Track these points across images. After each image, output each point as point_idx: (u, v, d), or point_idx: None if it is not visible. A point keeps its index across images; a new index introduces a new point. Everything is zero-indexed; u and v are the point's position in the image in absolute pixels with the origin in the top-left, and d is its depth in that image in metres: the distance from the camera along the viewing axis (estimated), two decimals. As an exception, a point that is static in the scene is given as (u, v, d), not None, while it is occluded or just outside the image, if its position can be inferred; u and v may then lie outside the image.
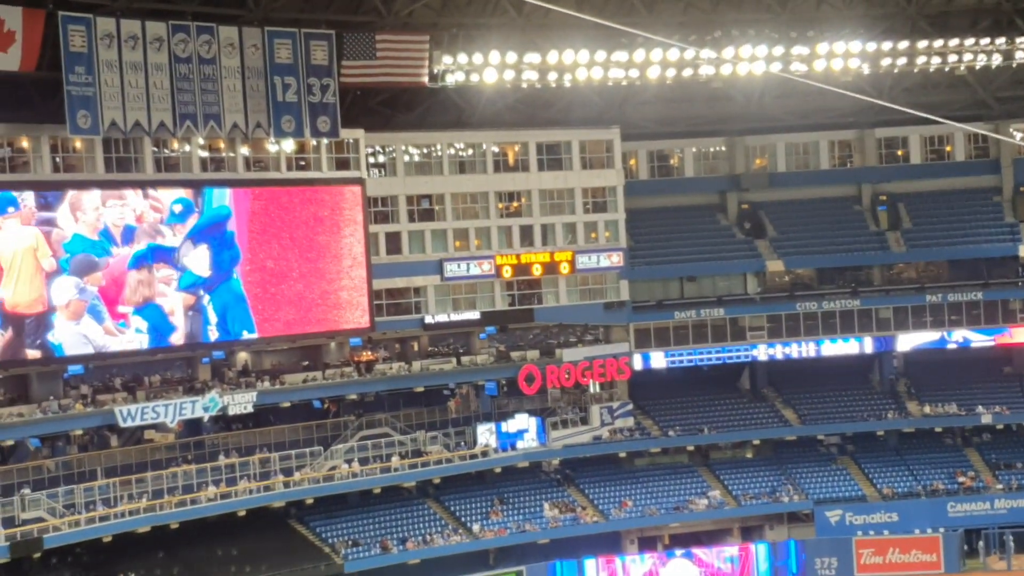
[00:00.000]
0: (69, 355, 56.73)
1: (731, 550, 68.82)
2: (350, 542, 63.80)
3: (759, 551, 68.63)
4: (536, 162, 70.40)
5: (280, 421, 64.86)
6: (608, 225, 72.03)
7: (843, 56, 68.35)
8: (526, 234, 70.35)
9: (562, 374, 69.28)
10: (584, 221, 71.43)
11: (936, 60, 69.66)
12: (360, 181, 64.88)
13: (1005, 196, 77.22)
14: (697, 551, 68.46)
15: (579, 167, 71.28)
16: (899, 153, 77.63)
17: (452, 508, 67.97)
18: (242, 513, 60.65)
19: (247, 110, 59.75)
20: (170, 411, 58.87)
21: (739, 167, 76.97)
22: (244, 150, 62.00)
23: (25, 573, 55.68)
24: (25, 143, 56.34)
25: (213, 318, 60.56)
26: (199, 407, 59.63)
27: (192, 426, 62.68)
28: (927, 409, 74.39)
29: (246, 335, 61.95)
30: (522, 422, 68.85)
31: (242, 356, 65.36)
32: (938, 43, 69.12)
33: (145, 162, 58.78)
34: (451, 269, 68.23)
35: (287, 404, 64.28)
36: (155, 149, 59.19)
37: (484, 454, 67.75)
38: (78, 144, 57.06)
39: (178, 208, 59.38)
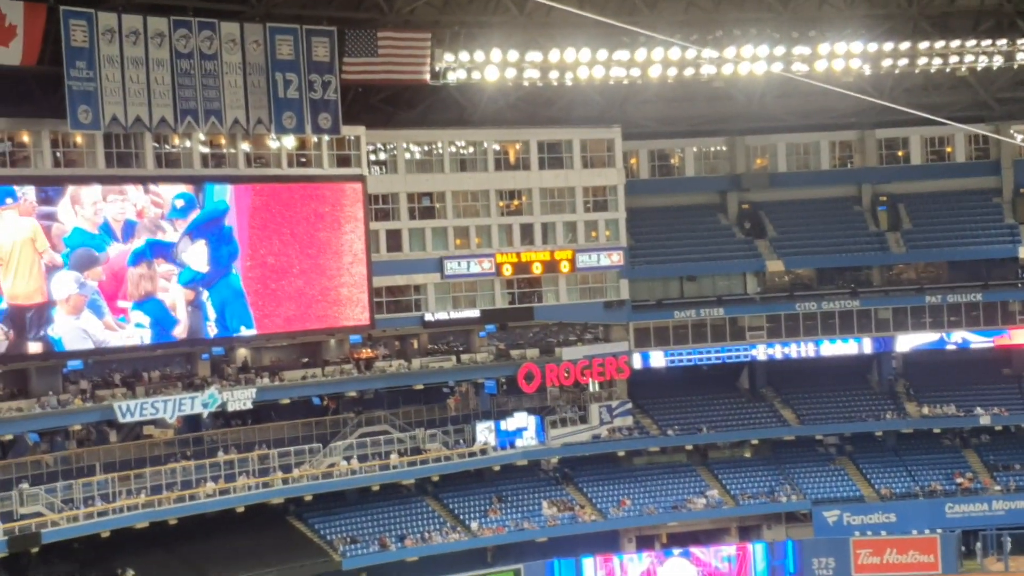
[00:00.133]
0: (69, 350, 56.70)
1: (729, 550, 68.85)
2: (348, 539, 63.81)
3: (757, 551, 68.67)
4: (537, 160, 70.38)
5: (279, 418, 64.81)
6: (608, 224, 72.04)
7: (844, 56, 68.38)
8: (526, 232, 70.34)
9: (561, 373, 69.31)
10: (584, 220, 71.44)
11: (937, 61, 69.69)
12: (361, 178, 64.87)
13: (1005, 198, 77.24)
14: (695, 550, 68.48)
15: (580, 166, 71.27)
16: (899, 154, 77.66)
17: (451, 506, 67.97)
18: (241, 509, 60.67)
19: (248, 106, 59.74)
20: (169, 407, 58.85)
21: (740, 167, 76.99)
22: (245, 146, 62.00)
23: (23, 568, 55.68)
24: (26, 137, 56.32)
25: (212, 314, 60.57)
26: (198, 403, 59.62)
27: (191, 422, 62.67)
28: (925, 410, 74.41)
29: (244, 331, 61.93)
30: (521, 420, 68.87)
31: (242, 352, 65.32)
32: (939, 44, 69.18)
33: (146, 157, 58.75)
34: (451, 267, 68.23)
35: (286, 401, 64.18)
36: (156, 145, 59.18)
37: (483, 452, 67.77)
38: (79, 139, 57.06)
39: (180, 203, 59.39)
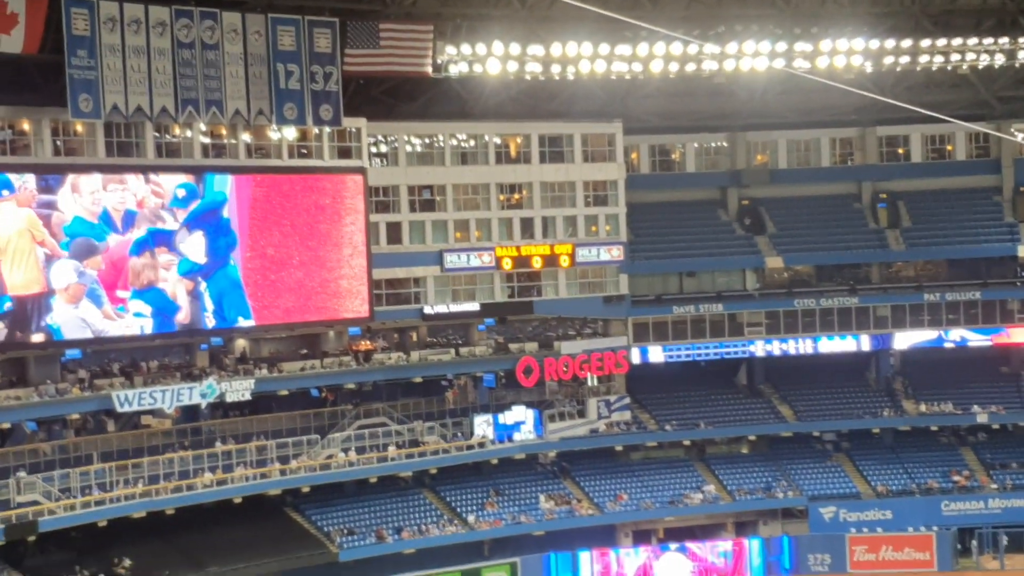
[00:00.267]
0: (68, 339, 56.67)
1: (725, 545, 68.92)
2: (345, 531, 63.83)
3: (753, 546, 68.72)
4: (538, 154, 70.33)
5: (277, 409, 64.77)
6: (608, 219, 72.02)
7: (846, 53, 68.33)
8: (527, 226, 70.32)
9: (560, 367, 69.35)
10: (585, 214, 71.41)
11: (939, 59, 69.69)
12: (362, 170, 64.83)
13: (1005, 196, 77.32)
14: (691, 545, 68.53)
15: (581, 160, 71.23)
16: (900, 151, 77.72)
17: (448, 499, 68.01)
18: (238, 500, 60.61)
19: (249, 97, 59.62)
20: (167, 397, 58.86)
21: (740, 163, 77.02)
22: (246, 137, 61.91)
23: (20, 556, 55.66)
24: (26, 126, 56.21)
25: (209, 305, 60.55)
26: (197, 393, 59.62)
27: (189, 412, 62.66)
28: (923, 407, 74.48)
29: (242, 322, 61.90)
30: (519, 414, 68.89)
31: (240, 343, 65.33)
32: (941, 42, 69.14)
33: (146, 147, 58.68)
34: (451, 260, 68.20)
35: (285, 392, 64.16)
36: (156, 134, 59.09)
37: (481, 445, 67.78)
38: (79, 128, 56.94)
39: (182, 193, 59.34)
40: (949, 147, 77.73)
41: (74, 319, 56.37)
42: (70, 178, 56.26)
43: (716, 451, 74.41)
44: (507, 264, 69.27)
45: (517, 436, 68.71)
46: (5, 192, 54.54)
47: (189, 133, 60.19)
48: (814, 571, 68.36)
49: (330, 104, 61.80)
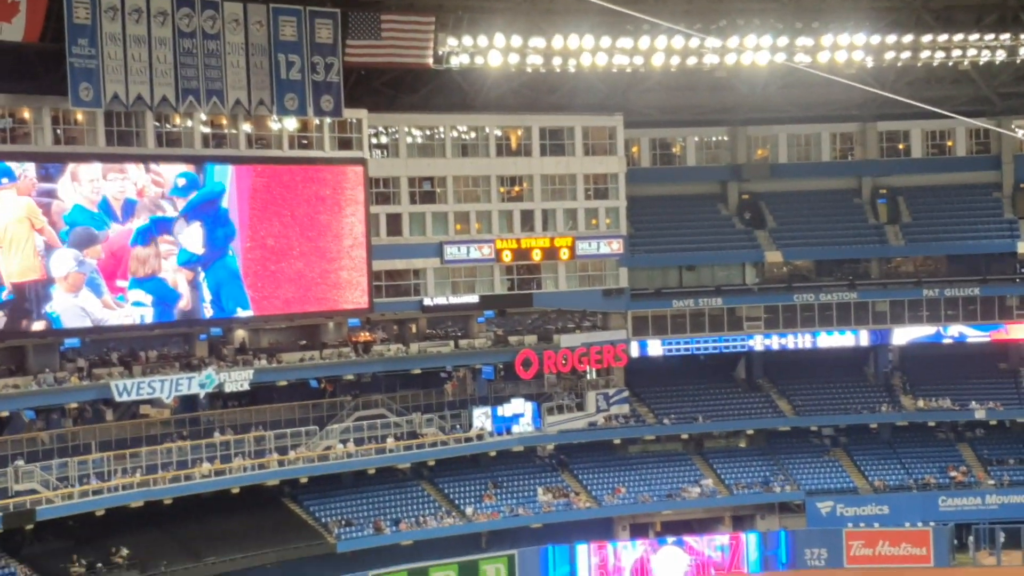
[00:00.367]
0: (67, 327, 56.63)
1: (722, 539, 69.02)
2: (343, 522, 63.84)
3: (750, 540, 68.81)
4: (539, 147, 70.30)
5: (276, 400, 64.74)
6: (609, 212, 72.02)
7: (847, 48, 68.40)
8: (527, 219, 70.31)
9: (559, 359, 69.34)
10: (585, 207, 71.41)
11: (940, 55, 69.91)
12: (362, 161, 64.77)
13: (1005, 192, 77.33)
14: (688, 539, 68.61)
15: (581, 153, 71.19)
16: (900, 147, 77.72)
17: (446, 490, 68.04)
18: (236, 490, 60.59)
19: (250, 87, 59.55)
20: (166, 387, 58.80)
21: (741, 157, 76.99)
22: (246, 127, 61.78)
23: (17, 545, 55.70)
24: (27, 114, 56.11)
25: (207, 295, 60.52)
26: (195, 384, 59.56)
27: (188, 402, 62.60)
28: (921, 403, 74.55)
29: (240, 312, 61.85)
30: (518, 406, 68.89)
31: (239, 334, 65.27)
32: (942, 38, 69.26)
33: (147, 136, 58.60)
34: (451, 252, 68.18)
35: (283, 383, 64.09)
36: (157, 124, 58.99)
37: (479, 437, 67.79)
38: (79, 116, 56.85)
39: (182, 182, 59.30)
40: (949, 143, 77.71)
41: (73, 308, 56.32)
42: (70, 167, 56.20)
43: (714, 445, 74.50)
44: (507, 256, 69.27)
45: (515, 429, 68.72)
46: (5, 180, 54.47)
47: (190, 123, 60.12)
48: (811, 566, 68.45)
49: (331, 95, 61.73)
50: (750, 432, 74.38)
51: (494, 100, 69.74)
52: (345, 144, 64.50)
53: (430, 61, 64.73)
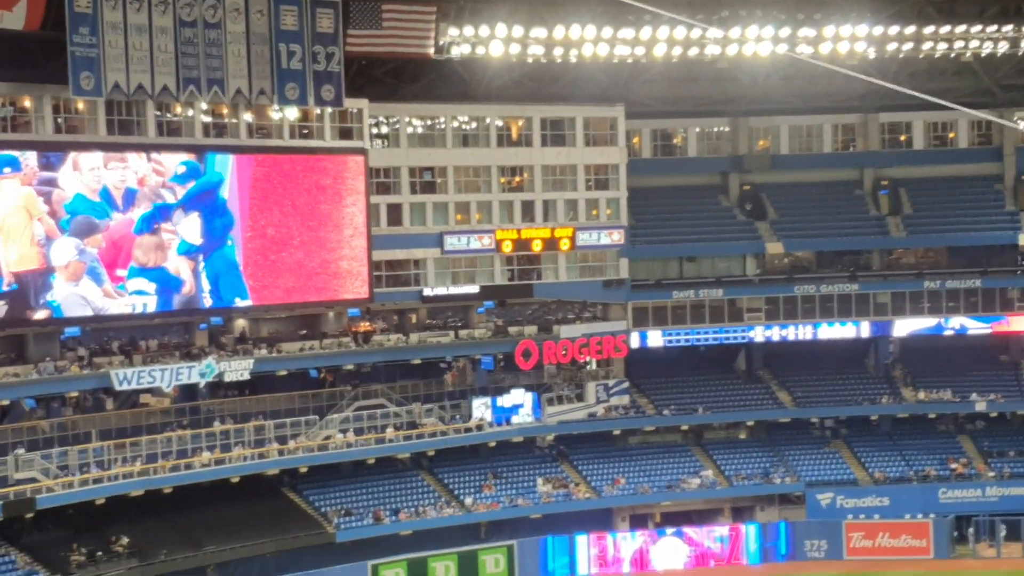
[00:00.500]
0: (68, 316, 56.64)
1: (721, 530, 69.01)
2: (343, 511, 63.90)
3: (749, 531, 68.82)
4: (540, 137, 70.26)
5: (276, 389, 64.76)
6: (610, 203, 71.97)
7: (849, 39, 68.28)
8: (527, 209, 70.26)
9: (559, 350, 69.31)
10: (586, 198, 71.37)
11: (942, 46, 69.80)
12: (363, 151, 64.71)
13: (1007, 184, 77.32)
14: (688, 530, 68.60)
15: (582, 144, 71.13)
16: (902, 138, 77.67)
17: (445, 480, 68.08)
18: (236, 480, 60.69)
19: (251, 76, 59.46)
20: (166, 376, 58.85)
21: (742, 148, 76.93)
22: (247, 116, 61.74)
23: (17, 533, 55.78)
24: (27, 103, 56.11)
25: (206, 285, 60.54)
26: (195, 373, 59.61)
27: (188, 391, 62.64)
28: (921, 395, 74.52)
29: (239, 302, 61.85)
30: (518, 397, 68.90)
31: (240, 323, 65.28)
32: (944, 29, 69.16)
33: (147, 125, 58.56)
34: (451, 242, 68.16)
35: (283, 372, 64.17)
36: (157, 113, 58.97)
37: (479, 428, 67.83)
38: (80, 105, 56.83)
39: (183, 170, 59.31)
40: (951, 134, 77.68)
41: (74, 297, 56.36)
42: (71, 156, 56.20)
43: (714, 436, 74.50)
44: (507, 247, 69.24)
45: (515, 419, 68.75)
46: (7, 170, 54.49)
47: (190, 112, 60.08)
48: (810, 557, 68.45)
49: (332, 84, 61.66)
50: (750, 423, 74.35)
51: (495, 90, 69.68)
52: (346, 134, 64.46)
53: (431, 51, 64.65)
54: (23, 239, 54.74)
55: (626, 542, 67.89)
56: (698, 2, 68.57)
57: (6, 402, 57.04)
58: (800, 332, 73.97)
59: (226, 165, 60.81)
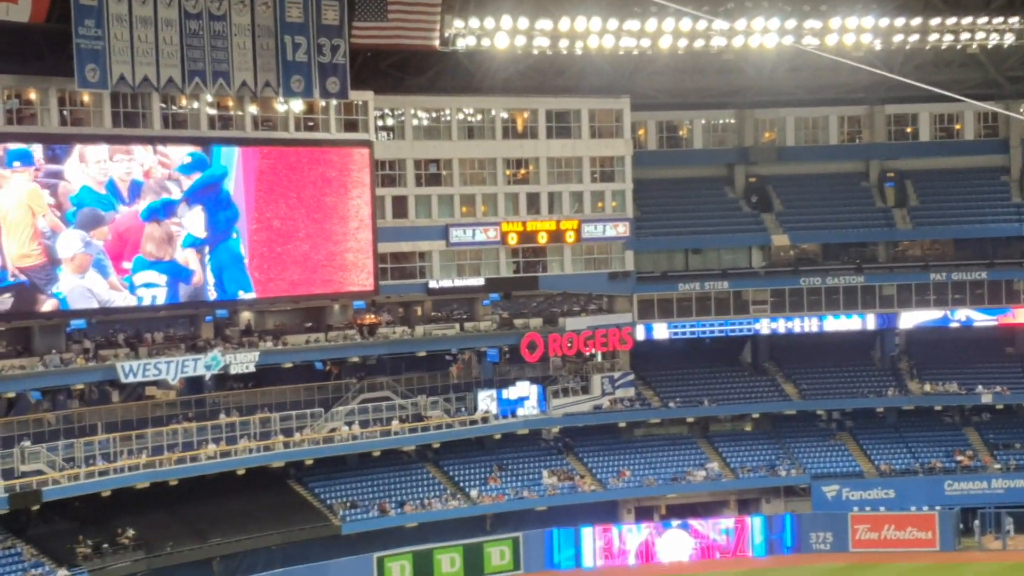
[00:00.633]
0: (74, 308, 56.65)
1: (727, 522, 68.94)
2: (348, 504, 63.97)
3: (755, 524, 68.75)
4: (545, 129, 70.14)
5: (282, 381, 64.81)
6: (615, 195, 71.89)
7: (855, 31, 68.13)
8: (533, 202, 70.21)
9: (564, 343, 69.27)
10: (591, 190, 71.31)
11: (948, 38, 69.64)
12: (368, 143, 64.67)
13: (1013, 176, 77.18)
14: (693, 522, 68.56)
15: (588, 136, 71.04)
16: (908, 130, 77.58)
17: (451, 473, 68.11)
18: (241, 472, 60.74)
19: (256, 68, 59.50)
20: (172, 368, 58.85)
21: (748, 140, 76.86)
22: (252, 109, 61.75)
23: (23, 525, 55.89)
24: (33, 95, 56.14)
25: (211, 278, 60.55)
26: (201, 365, 59.60)
27: (193, 384, 62.68)
28: (927, 387, 74.44)
29: (243, 295, 61.86)
30: (523, 389, 68.89)
31: (245, 316, 65.32)
32: (951, 21, 69.00)
33: (153, 118, 58.55)
34: (457, 235, 68.13)
35: (289, 365, 64.18)
36: (163, 105, 58.99)
37: (484, 420, 67.80)
38: (86, 98, 56.86)
39: (188, 160, 59.33)
40: (957, 126, 77.56)
41: (80, 289, 56.40)
42: (77, 148, 56.20)
43: (719, 428, 74.45)
44: (512, 239, 69.22)
45: (520, 411, 68.74)
46: (16, 164, 54.50)
47: (196, 104, 60.04)
48: (816, 549, 68.39)
49: (337, 77, 61.62)
50: (756, 416, 74.24)
51: (501, 82, 69.58)
52: (351, 126, 64.44)
53: (436, 43, 64.53)
54: (23, 236, 54.66)
55: (631, 534, 67.91)
56: (704, -6, 68.51)
57: (12, 395, 57.09)
58: (806, 324, 73.94)
59: (231, 158, 60.80)
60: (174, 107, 59.65)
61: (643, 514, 70.48)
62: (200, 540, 59.02)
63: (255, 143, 61.62)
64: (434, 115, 68.66)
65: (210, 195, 60.25)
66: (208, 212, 60.25)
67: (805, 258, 76.79)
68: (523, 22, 65.42)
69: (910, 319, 74.41)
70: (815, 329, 74.08)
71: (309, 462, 63.57)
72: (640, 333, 72.32)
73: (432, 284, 67.91)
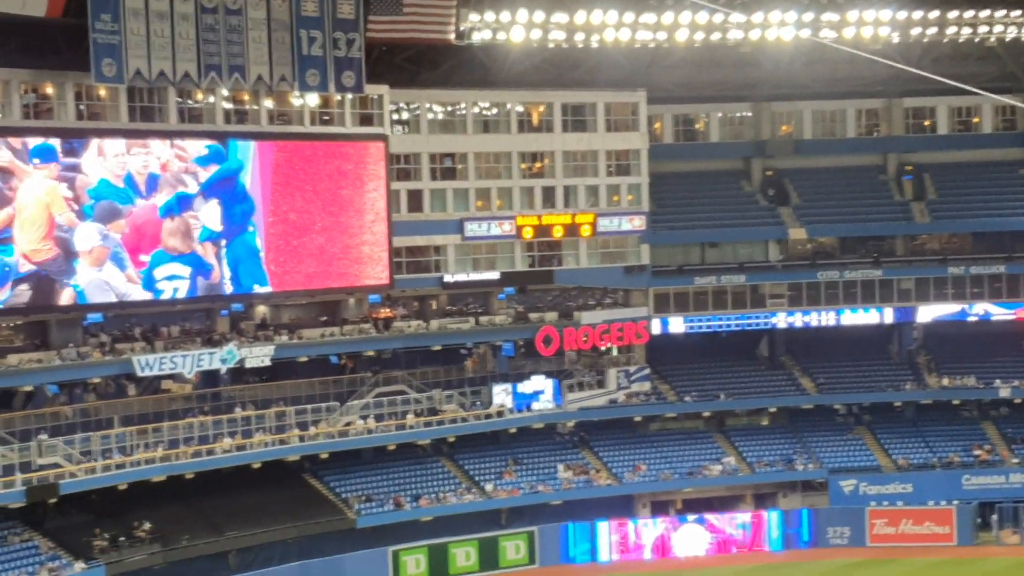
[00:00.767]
0: (91, 302, 56.82)
1: (743, 517, 68.82)
2: (363, 497, 64.02)
3: (772, 519, 68.62)
4: (560, 123, 70.02)
5: (297, 375, 64.88)
6: (631, 188, 71.74)
7: (873, 24, 67.86)
8: (548, 195, 70.08)
9: (580, 337, 69.23)
10: (607, 184, 71.17)
11: (966, 30, 69.37)
12: (383, 138, 64.68)
13: (1031, 169, 76.89)
14: (709, 517, 68.46)
15: (604, 129, 70.89)
16: (926, 123, 77.25)
17: (466, 467, 68.11)
18: (257, 466, 60.82)
19: (272, 62, 59.47)
20: (188, 362, 59.02)
21: (764, 133, 76.62)
22: (268, 103, 61.80)
23: (40, 518, 56.10)
24: (49, 90, 56.25)
25: (227, 272, 60.67)
26: (217, 359, 59.75)
27: (209, 378, 62.78)
28: (945, 381, 74.15)
29: (259, 288, 61.95)
30: (538, 383, 68.80)
31: (260, 309, 65.42)
32: (969, 13, 68.75)
33: (169, 112, 58.64)
34: (472, 228, 68.07)
35: (304, 359, 64.20)
36: (179, 99, 59.05)
37: (499, 414, 67.79)
38: (102, 92, 56.97)
39: (205, 152, 59.46)
40: (975, 119, 77.21)
41: (97, 282, 56.54)
42: (95, 142, 56.32)
43: (736, 423, 74.28)
44: (528, 233, 69.13)
45: (536, 405, 68.68)
46: (36, 160, 54.61)
47: (212, 99, 60.12)
48: (833, 544, 68.23)
49: (353, 71, 61.57)
50: (772, 410, 74.09)
51: (516, 76, 69.49)
52: (366, 120, 64.44)
53: (452, 37, 64.49)
54: (38, 232, 54.70)
55: (647, 529, 67.83)
56: (720, -14, 68.30)
57: (29, 388, 57.30)
58: (823, 318, 73.75)
59: (247, 152, 60.88)
60: (190, 101, 59.74)
61: (659, 509, 70.33)
62: (216, 533, 59.17)
63: (271, 137, 61.70)
64: (449, 109, 68.62)
65: (226, 189, 60.35)
66: (224, 206, 60.34)
67: (822, 252, 76.58)
68: (539, 15, 65.33)
69: (928, 313, 74.16)
70: (832, 323, 73.87)
71: (324, 456, 63.65)
72: (656, 327, 72.21)
73: (447, 278, 67.90)
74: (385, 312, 68.02)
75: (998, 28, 69.18)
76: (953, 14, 68.44)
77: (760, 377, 75.28)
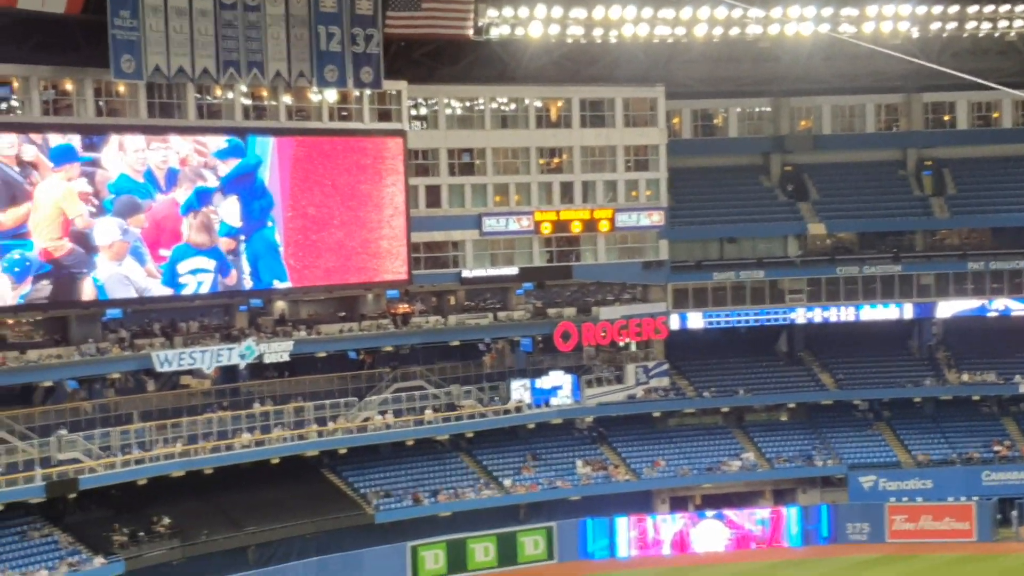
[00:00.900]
0: (111, 298, 56.99)
1: (762, 512, 68.70)
2: (382, 493, 64.08)
3: (791, 514, 68.45)
4: (579, 118, 69.94)
5: (315, 371, 64.96)
6: (649, 184, 71.66)
7: (892, 19, 67.71)
8: (566, 191, 70.05)
9: (598, 332, 69.19)
10: (625, 179, 71.09)
11: (986, 25, 69.22)
12: (402, 133, 64.70)
13: (1052, 164, 76.49)
14: (728, 512, 68.33)
15: (622, 125, 70.78)
16: (946, 118, 76.92)
17: (484, 462, 68.14)
18: (276, 461, 60.93)
19: (290, 58, 59.62)
20: (207, 357, 59.18)
21: (783, 128, 76.42)
22: (286, 99, 61.87)
23: (60, 513, 56.27)
24: (69, 86, 56.47)
25: (246, 267, 60.81)
26: (235, 354, 59.91)
27: (228, 373, 62.97)
28: (965, 377, 73.87)
29: (278, 284, 62.08)
30: (557, 379, 68.78)
31: (279, 305, 65.56)
32: (988, 8, 68.52)
33: (187, 108, 58.79)
34: (490, 224, 68.08)
35: (323, 354, 64.33)
36: (198, 95, 59.20)
37: (518, 410, 67.78)
38: (121, 88, 57.13)
39: (225, 146, 59.62)
40: (995, 114, 76.87)
41: (118, 276, 56.72)
42: (114, 137, 56.48)
43: (755, 418, 74.12)
44: (546, 228, 69.10)
45: (554, 401, 68.65)
46: (54, 163, 54.74)
47: (230, 95, 60.24)
48: (852, 540, 68.06)
49: (371, 66, 61.65)
50: (792, 406, 73.92)
51: (534, 71, 69.46)
52: (385, 116, 64.49)
53: (470, 32, 64.53)
54: (50, 232, 54.82)
55: (666, 524, 67.74)
56: (739, -19, 68.13)
57: (49, 383, 57.49)
58: (842, 314, 73.58)
59: (266, 147, 60.99)
60: (209, 97, 59.88)
61: (678, 504, 70.26)
62: (235, 528, 59.31)
63: (289, 133, 61.79)
64: (467, 104, 68.59)
65: (245, 184, 60.47)
66: (243, 201, 60.48)
67: (842, 247, 76.35)
68: (557, 11, 65.29)
69: (948, 308, 73.91)
70: (852, 318, 73.69)
71: (343, 451, 63.71)
72: (675, 322, 72.12)
73: (465, 273, 67.92)
74: (403, 307, 68.10)
75: (1018, 23, 68.89)
76: (973, 9, 68.17)
77: (779, 373, 75.12)
